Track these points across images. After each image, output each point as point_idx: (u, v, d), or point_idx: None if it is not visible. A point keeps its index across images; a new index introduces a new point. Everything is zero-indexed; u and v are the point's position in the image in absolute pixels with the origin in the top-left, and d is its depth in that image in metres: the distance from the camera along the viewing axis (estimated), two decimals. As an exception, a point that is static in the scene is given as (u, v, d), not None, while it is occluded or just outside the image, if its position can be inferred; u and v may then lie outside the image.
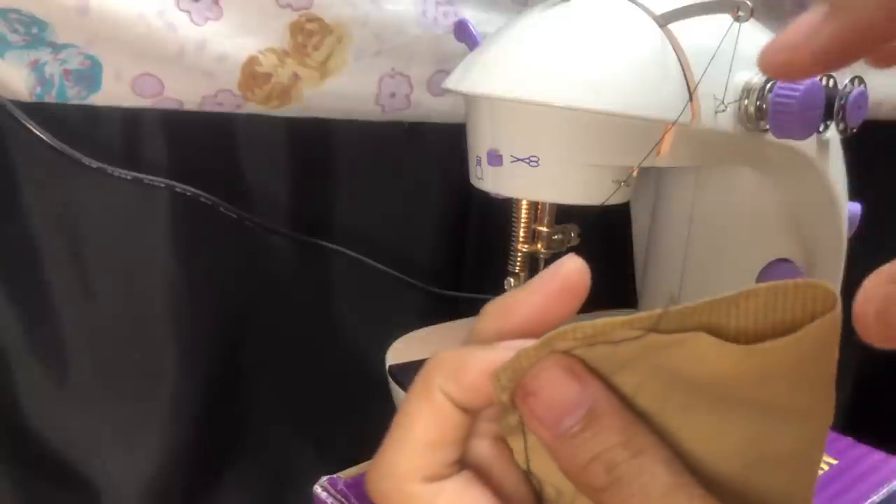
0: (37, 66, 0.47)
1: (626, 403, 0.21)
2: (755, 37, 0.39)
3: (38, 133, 0.47)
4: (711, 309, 0.20)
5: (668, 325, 0.20)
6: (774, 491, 0.22)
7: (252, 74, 0.49)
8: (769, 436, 0.21)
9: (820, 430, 0.22)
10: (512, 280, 0.47)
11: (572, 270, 0.22)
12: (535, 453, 0.22)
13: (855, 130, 0.42)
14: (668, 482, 0.20)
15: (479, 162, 0.42)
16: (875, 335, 0.20)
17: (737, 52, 0.37)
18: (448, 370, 0.22)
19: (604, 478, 0.20)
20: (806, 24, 0.21)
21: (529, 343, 0.21)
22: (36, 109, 0.48)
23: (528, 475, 0.23)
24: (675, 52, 0.38)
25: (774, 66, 0.21)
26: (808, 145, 0.43)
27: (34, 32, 0.46)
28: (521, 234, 0.46)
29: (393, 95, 0.54)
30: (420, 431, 0.22)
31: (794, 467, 0.22)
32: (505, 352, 0.22)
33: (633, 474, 0.20)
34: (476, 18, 0.52)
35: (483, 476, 0.23)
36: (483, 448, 0.23)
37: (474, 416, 0.23)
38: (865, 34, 0.20)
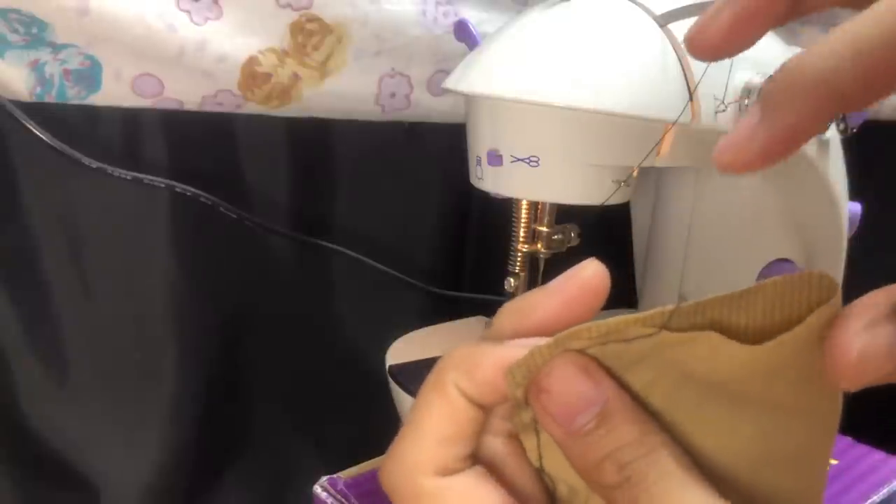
0: (37, 66, 0.47)
1: (639, 401, 0.21)
2: (755, 37, 0.39)
3: (38, 133, 0.47)
4: (721, 305, 0.20)
5: (679, 322, 0.20)
6: (783, 489, 0.22)
7: (252, 74, 0.49)
8: (777, 434, 0.21)
9: (827, 429, 0.22)
10: (512, 280, 0.47)
11: (593, 274, 0.22)
12: (548, 451, 0.22)
13: (855, 130, 0.42)
14: (678, 481, 0.20)
15: (479, 162, 0.42)
16: (848, 384, 0.20)
17: (737, 52, 0.37)
18: (462, 365, 0.22)
19: (615, 476, 0.21)
20: (744, 126, 0.22)
21: (543, 341, 0.21)
22: (36, 109, 0.48)
23: (540, 473, 0.23)
24: (675, 52, 0.38)
25: (723, 166, 0.22)
26: (808, 145, 0.43)
27: (34, 32, 0.46)
28: (521, 234, 0.46)
29: (393, 95, 0.54)
30: (433, 425, 0.22)
31: (802, 466, 0.22)
32: (519, 349, 0.22)
33: (643, 473, 0.20)
34: (476, 18, 0.52)
35: (495, 473, 0.23)
36: (496, 445, 0.23)
37: (487, 412, 0.23)
38: (797, 134, 0.21)
